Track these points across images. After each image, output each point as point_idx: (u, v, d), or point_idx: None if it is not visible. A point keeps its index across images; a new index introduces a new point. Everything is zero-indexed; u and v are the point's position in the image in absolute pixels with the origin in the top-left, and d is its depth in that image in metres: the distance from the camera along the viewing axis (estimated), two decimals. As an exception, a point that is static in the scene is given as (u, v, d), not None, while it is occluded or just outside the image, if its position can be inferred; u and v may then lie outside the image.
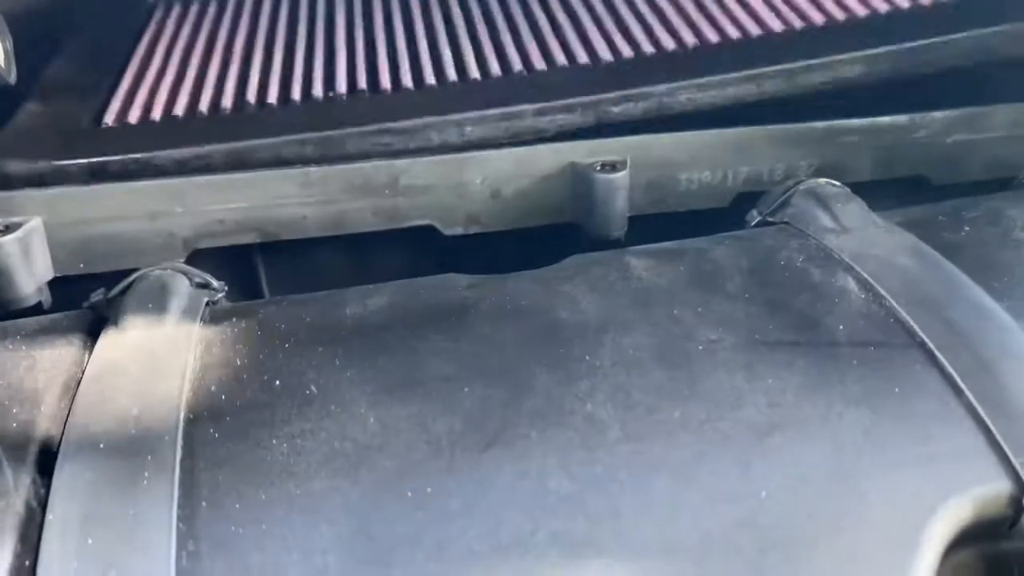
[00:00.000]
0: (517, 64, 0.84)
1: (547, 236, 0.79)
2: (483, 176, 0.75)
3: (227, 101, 0.81)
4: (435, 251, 0.81)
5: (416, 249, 0.83)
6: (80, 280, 0.72)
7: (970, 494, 0.47)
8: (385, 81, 0.83)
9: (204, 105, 0.81)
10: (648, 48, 0.86)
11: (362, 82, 0.83)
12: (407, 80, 0.83)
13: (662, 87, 0.78)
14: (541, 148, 0.76)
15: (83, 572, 0.42)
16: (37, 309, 0.70)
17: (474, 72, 0.84)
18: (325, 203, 0.74)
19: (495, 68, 0.84)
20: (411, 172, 0.74)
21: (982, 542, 0.49)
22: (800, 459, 0.48)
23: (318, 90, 0.82)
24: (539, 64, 0.84)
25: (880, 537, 0.46)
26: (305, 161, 0.74)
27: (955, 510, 0.47)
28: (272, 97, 0.81)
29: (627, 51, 0.85)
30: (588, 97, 0.77)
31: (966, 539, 0.48)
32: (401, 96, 0.81)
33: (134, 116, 0.80)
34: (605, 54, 0.85)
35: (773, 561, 0.44)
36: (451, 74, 0.83)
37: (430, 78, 0.83)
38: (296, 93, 0.82)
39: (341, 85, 0.83)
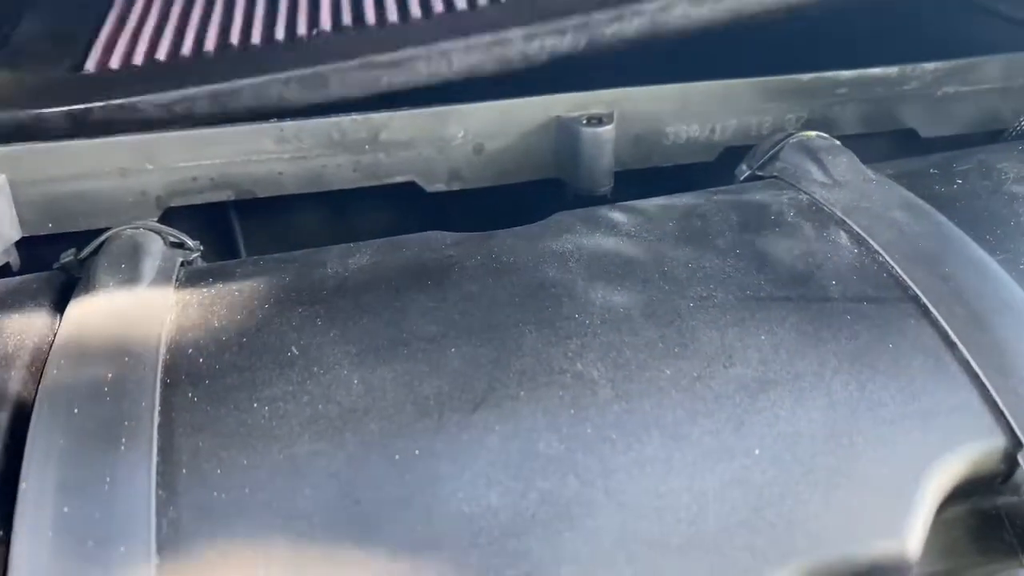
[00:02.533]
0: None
1: (532, 193, 0.77)
2: (465, 130, 0.73)
3: (210, 44, 0.78)
4: (417, 209, 0.79)
5: (398, 207, 0.82)
6: (50, 240, 0.70)
7: (964, 449, 0.47)
8: (370, 16, 0.80)
9: (187, 49, 0.78)
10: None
11: (347, 18, 0.80)
12: (392, 14, 0.80)
13: (655, 3, 0.75)
14: (525, 101, 0.74)
15: (59, 542, 0.41)
16: (5, 271, 0.68)
17: (461, 3, 0.80)
18: (302, 159, 0.72)
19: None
20: (391, 126, 0.72)
21: (974, 497, 0.49)
22: (793, 416, 0.47)
23: (302, 29, 0.79)
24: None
25: (874, 493, 0.45)
26: (288, 107, 0.71)
27: (949, 466, 0.47)
28: (256, 38, 0.78)
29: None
30: (578, 18, 0.74)
31: (959, 495, 0.48)
32: (387, 30, 0.78)
33: (116, 61, 0.77)
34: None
35: (767, 519, 0.44)
36: (438, 6, 0.80)
37: (416, 11, 0.80)
38: (280, 33, 0.78)
39: (325, 22, 0.79)
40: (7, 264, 0.68)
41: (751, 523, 0.44)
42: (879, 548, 0.44)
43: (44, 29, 0.84)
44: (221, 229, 0.82)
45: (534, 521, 0.43)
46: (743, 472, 0.45)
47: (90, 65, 0.77)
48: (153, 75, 0.75)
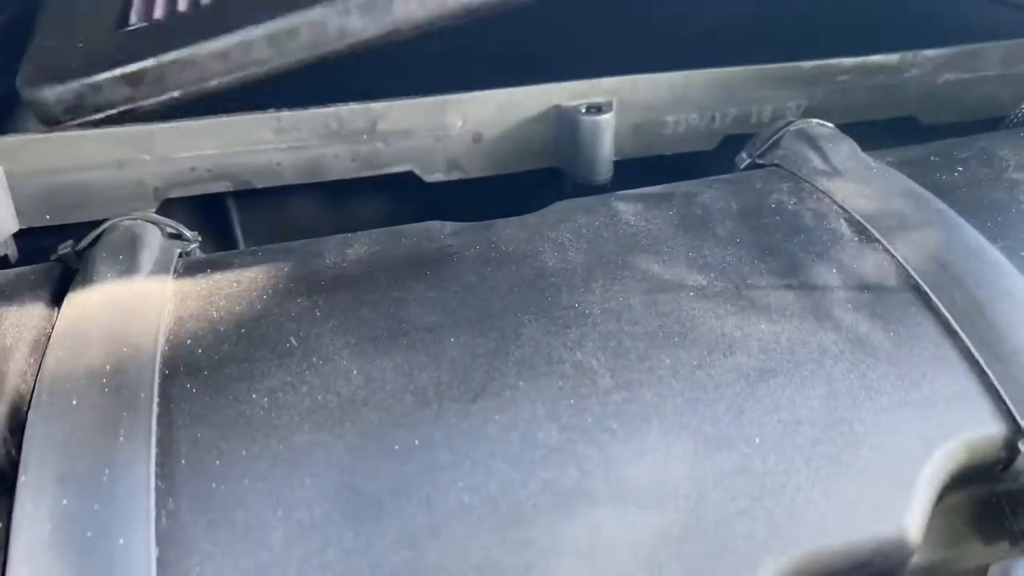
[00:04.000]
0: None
1: (531, 182, 0.77)
2: (464, 119, 0.73)
3: None
4: (415, 199, 0.79)
5: (396, 197, 0.81)
6: (47, 232, 0.70)
7: (965, 437, 0.47)
8: None
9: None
10: None
11: None
12: None
13: None
14: (524, 90, 0.73)
15: (58, 534, 0.41)
16: (3, 263, 0.68)
17: None
18: (299, 149, 0.71)
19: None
20: (389, 116, 0.72)
21: (974, 485, 0.49)
22: (794, 404, 0.47)
23: None
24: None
25: (875, 481, 0.45)
26: (353, 42, 0.67)
27: (950, 453, 0.46)
28: None
29: None
30: None
31: (959, 482, 0.47)
32: None
33: (159, 12, 0.73)
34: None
35: (768, 507, 0.44)
36: None
37: None
38: None
39: None
40: (5, 256, 0.68)
41: (752, 512, 0.44)
42: (880, 536, 0.44)
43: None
44: (219, 220, 0.81)
45: (534, 511, 0.43)
46: (743, 461, 0.45)
47: (135, 19, 0.74)
48: (202, 22, 0.72)
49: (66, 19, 0.78)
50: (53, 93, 0.69)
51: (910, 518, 0.44)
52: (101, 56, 0.70)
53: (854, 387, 0.48)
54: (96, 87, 0.68)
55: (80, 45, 0.72)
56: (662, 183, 0.65)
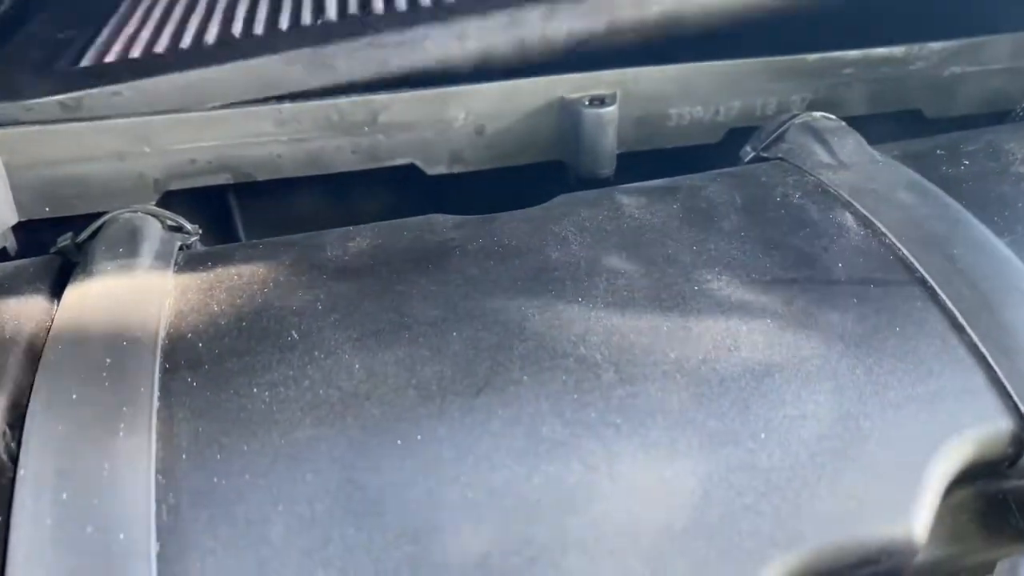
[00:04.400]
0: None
1: (533, 176, 0.76)
2: (467, 112, 0.72)
3: (210, 37, 0.77)
4: (417, 192, 0.78)
5: (398, 190, 0.81)
6: (47, 225, 0.69)
7: (971, 433, 0.46)
8: (378, 5, 0.78)
9: (186, 43, 0.77)
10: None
11: (353, 6, 0.78)
12: (401, 1, 0.79)
13: None
14: (527, 82, 0.73)
15: (58, 528, 0.40)
16: (2, 255, 0.67)
17: None
18: (300, 141, 0.71)
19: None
20: (391, 108, 0.71)
21: (980, 481, 0.49)
22: (799, 399, 0.47)
23: (307, 19, 0.78)
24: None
25: (881, 478, 0.45)
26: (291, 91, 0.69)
27: (956, 449, 0.46)
28: (259, 28, 0.77)
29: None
30: None
31: (965, 479, 0.47)
32: (395, 16, 0.77)
33: (113, 56, 0.76)
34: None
35: (773, 503, 0.43)
36: None
37: None
38: (284, 22, 0.77)
39: (331, 11, 0.78)
40: (4, 249, 0.68)
41: (757, 508, 0.43)
42: (886, 533, 0.43)
43: (47, 32, 0.83)
44: (220, 214, 0.81)
45: (538, 506, 0.43)
46: (748, 456, 0.45)
47: (88, 60, 0.76)
48: (152, 63, 0.73)
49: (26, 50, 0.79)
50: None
51: (917, 515, 0.44)
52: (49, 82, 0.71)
53: (860, 382, 0.48)
54: (27, 108, 0.68)
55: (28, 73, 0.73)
56: (665, 177, 0.65)
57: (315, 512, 0.42)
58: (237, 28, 0.78)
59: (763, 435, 0.45)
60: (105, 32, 0.81)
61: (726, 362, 0.48)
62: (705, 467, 0.44)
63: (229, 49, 0.74)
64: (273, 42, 0.73)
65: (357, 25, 0.74)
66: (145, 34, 0.80)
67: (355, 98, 0.70)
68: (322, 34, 0.73)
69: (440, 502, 0.43)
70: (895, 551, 0.44)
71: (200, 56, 0.73)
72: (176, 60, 0.73)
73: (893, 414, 0.47)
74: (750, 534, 0.43)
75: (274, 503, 0.42)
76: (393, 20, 0.74)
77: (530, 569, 0.41)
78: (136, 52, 0.77)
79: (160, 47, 0.77)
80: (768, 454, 0.45)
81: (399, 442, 0.44)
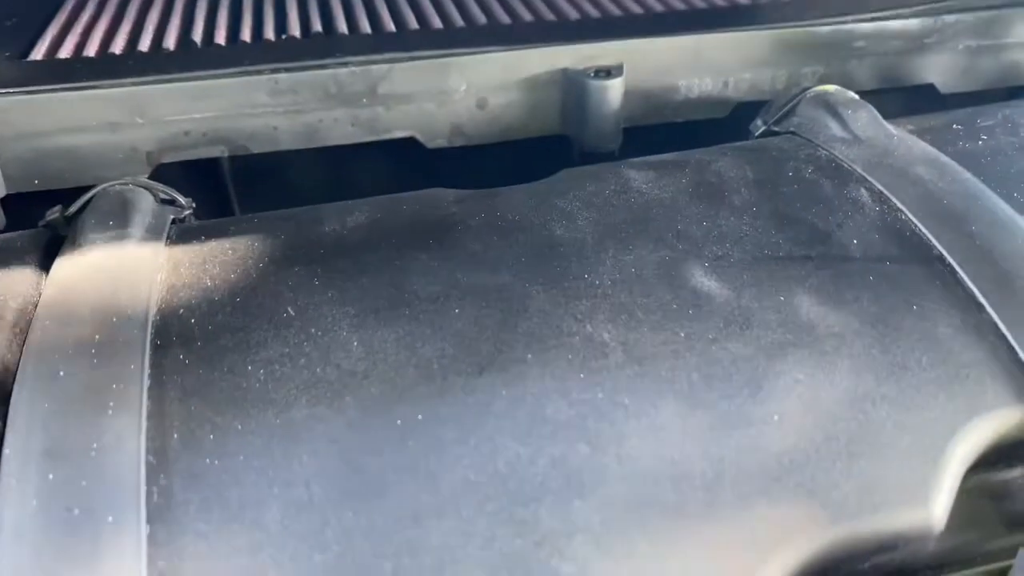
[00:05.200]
0: (480, 17, 0.79)
1: (536, 151, 0.74)
2: (468, 83, 0.70)
3: (170, 42, 0.75)
4: (417, 166, 0.76)
5: (397, 165, 0.79)
6: (36, 198, 0.67)
7: (991, 415, 0.45)
8: (341, 25, 0.77)
9: (144, 45, 0.75)
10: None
11: (316, 25, 0.77)
12: (364, 24, 0.78)
13: None
14: (530, 52, 0.71)
15: (44, 510, 0.39)
16: (-11, 229, 0.66)
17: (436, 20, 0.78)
18: (297, 113, 0.69)
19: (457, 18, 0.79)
20: (390, 79, 0.69)
21: (999, 465, 0.47)
22: (814, 380, 0.45)
23: (269, 33, 0.76)
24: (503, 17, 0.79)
25: (898, 461, 0.43)
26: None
27: (975, 432, 0.45)
28: (220, 38, 0.75)
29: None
30: None
31: (984, 463, 0.46)
32: (359, 38, 0.75)
33: (66, 52, 0.73)
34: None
35: (787, 487, 0.42)
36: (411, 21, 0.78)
37: (389, 24, 0.78)
38: (246, 35, 0.75)
39: (294, 28, 0.77)
40: (-9, 222, 0.66)
41: (770, 492, 0.42)
42: (903, 518, 0.42)
43: None
44: (214, 188, 0.79)
45: (543, 489, 0.41)
46: (761, 439, 0.43)
47: (37, 55, 0.73)
48: (106, 65, 0.71)
49: None
50: None
51: (935, 499, 0.42)
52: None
53: (876, 362, 0.46)
54: None
55: None
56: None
57: (312, 495, 0.40)
58: (197, 34, 0.76)
59: (776, 417, 0.44)
60: (57, 22, 0.78)
61: (738, 341, 0.46)
62: (716, 450, 0.43)
63: (191, 58, 0.71)
64: (238, 55, 0.71)
65: (321, 48, 0.72)
66: (100, 28, 0.78)
67: (353, 67, 0.68)
68: (289, 52, 0.71)
69: (442, 485, 0.41)
70: (912, 537, 0.42)
71: (158, 61, 0.70)
72: (132, 65, 0.70)
73: (911, 396, 0.45)
74: (762, 519, 0.41)
75: (269, 485, 0.40)
76: (358, 46, 0.72)
77: (535, 553, 0.40)
78: (92, 47, 0.75)
79: (117, 47, 0.75)
80: (781, 437, 0.43)
81: (399, 422, 0.43)
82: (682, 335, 0.47)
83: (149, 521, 0.39)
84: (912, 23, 0.76)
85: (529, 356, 0.45)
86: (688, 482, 0.42)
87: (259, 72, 0.67)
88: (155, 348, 0.45)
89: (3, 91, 0.65)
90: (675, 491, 0.42)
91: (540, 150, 0.74)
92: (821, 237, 0.52)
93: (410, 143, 0.72)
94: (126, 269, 0.51)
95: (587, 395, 0.44)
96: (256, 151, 0.70)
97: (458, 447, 0.42)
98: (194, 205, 0.60)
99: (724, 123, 0.75)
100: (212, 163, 0.72)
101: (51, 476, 0.40)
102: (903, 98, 0.79)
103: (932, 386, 0.45)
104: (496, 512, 0.41)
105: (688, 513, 0.41)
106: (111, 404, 0.42)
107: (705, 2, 0.82)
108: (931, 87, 0.79)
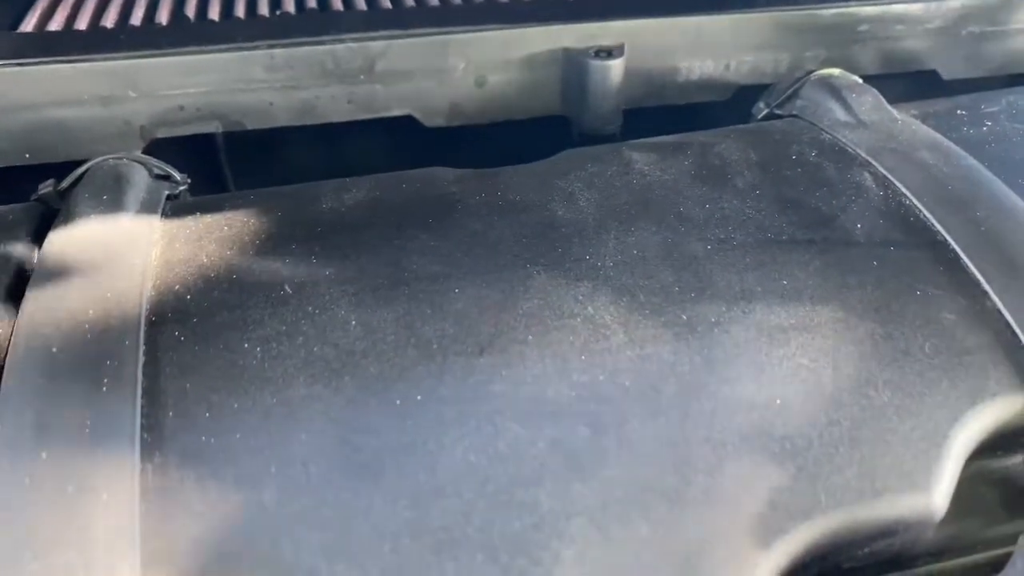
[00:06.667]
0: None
1: (535, 132, 0.74)
2: (467, 61, 0.69)
3: (162, 17, 0.73)
4: (415, 146, 0.76)
5: (394, 143, 0.78)
6: (27, 172, 0.66)
7: (994, 401, 0.45)
8: (336, 2, 0.76)
9: (136, 20, 0.73)
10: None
11: (312, 2, 0.76)
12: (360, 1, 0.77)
13: None
14: (531, 30, 0.70)
15: (37, 488, 0.38)
16: (-21, 203, 0.64)
17: None
18: (293, 88, 0.68)
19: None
20: (389, 55, 0.68)
21: (1001, 452, 0.47)
22: (816, 365, 0.45)
23: (264, 10, 0.75)
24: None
25: (900, 446, 0.43)
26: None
27: (978, 418, 0.44)
28: (214, 14, 0.74)
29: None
30: None
31: (986, 449, 0.45)
32: (356, 15, 0.74)
33: (56, 25, 0.72)
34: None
35: (788, 472, 0.42)
36: None
37: (385, 1, 0.76)
38: (240, 12, 0.74)
39: (288, 5, 0.75)
40: (-19, 196, 0.65)
41: (771, 476, 0.41)
42: (904, 503, 0.42)
43: None
44: (209, 165, 0.78)
45: (543, 471, 0.41)
46: (763, 423, 0.43)
47: (27, 26, 0.72)
48: (97, 38, 0.69)
49: None
50: None
51: (936, 485, 0.42)
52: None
53: (880, 348, 0.46)
54: None
55: None
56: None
57: (309, 474, 0.40)
58: (191, 6, 0.75)
59: (778, 401, 0.44)
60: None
61: (740, 325, 0.46)
62: (718, 434, 0.42)
63: (184, 32, 0.70)
64: (232, 31, 0.69)
65: (316, 24, 0.71)
66: (91, 2, 0.76)
67: (351, 44, 0.67)
68: (283, 28, 0.69)
69: (441, 465, 0.41)
70: (913, 522, 0.42)
71: (152, 37, 0.69)
72: (126, 39, 0.69)
73: (913, 381, 0.45)
74: (764, 503, 0.41)
75: (266, 464, 0.40)
76: (354, 22, 0.71)
77: (534, 535, 0.39)
78: (82, 20, 0.73)
79: (108, 20, 0.73)
80: (783, 421, 0.43)
81: (398, 402, 0.42)
82: (684, 318, 0.46)
83: (143, 499, 0.38)
84: (916, 8, 0.75)
85: (530, 337, 0.45)
86: (689, 466, 0.42)
87: (255, 47, 0.66)
88: (150, 324, 0.45)
89: None
90: (676, 475, 0.41)
91: (538, 132, 0.74)
92: (824, 221, 0.52)
93: (408, 122, 0.71)
94: (120, 244, 0.50)
95: (588, 377, 0.44)
96: (251, 127, 0.69)
97: (457, 428, 0.42)
98: (189, 181, 0.59)
99: (725, 107, 0.75)
100: (207, 139, 0.71)
101: (44, 453, 0.39)
102: (905, 84, 0.78)
103: (935, 372, 0.45)
104: (495, 494, 0.40)
105: (688, 497, 0.41)
106: (105, 380, 0.42)
107: None
108: (933, 73, 0.79)
